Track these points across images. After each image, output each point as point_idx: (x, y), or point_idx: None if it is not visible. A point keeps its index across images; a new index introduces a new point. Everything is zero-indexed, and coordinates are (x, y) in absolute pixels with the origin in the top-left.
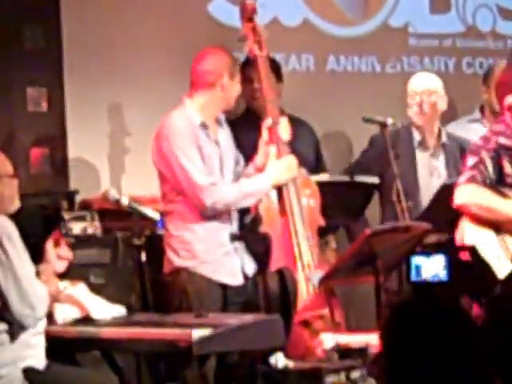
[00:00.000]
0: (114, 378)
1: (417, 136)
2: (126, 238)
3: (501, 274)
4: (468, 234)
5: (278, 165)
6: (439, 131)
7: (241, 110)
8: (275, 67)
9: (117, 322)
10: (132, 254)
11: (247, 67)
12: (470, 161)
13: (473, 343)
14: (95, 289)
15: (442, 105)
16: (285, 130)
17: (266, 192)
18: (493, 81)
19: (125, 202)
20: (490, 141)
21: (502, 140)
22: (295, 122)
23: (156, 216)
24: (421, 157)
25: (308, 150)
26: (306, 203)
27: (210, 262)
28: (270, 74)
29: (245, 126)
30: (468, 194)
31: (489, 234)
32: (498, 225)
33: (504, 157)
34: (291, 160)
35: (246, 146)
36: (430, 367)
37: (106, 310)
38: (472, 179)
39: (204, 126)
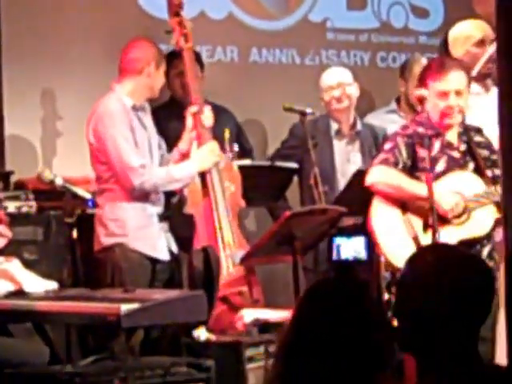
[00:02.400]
0: (45, 348)
1: (334, 125)
2: (59, 217)
3: (397, 260)
4: (376, 213)
5: (203, 150)
6: (354, 120)
7: (164, 99)
8: (197, 58)
9: (49, 296)
10: (64, 232)
11: (175, 58)
12: (387, 145)
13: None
14: (28, 264)
15: (355, 93)
16: (208, 118)
17: (191, 177)
18: (409, 74)
19: (59, 182)
20: (407, 128)
21: (420, 129)
22: (218, 110)
23: (87, 196)
24: (337, 144)
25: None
26: (227, 186)
27: (140, 239)
28: (195, 65)
29: (168, 114)
30: (378, 174)
31: (395, 213)
32: (404, 203)
33: (418, 143)
34: (214, 145)
35: (169, 133)
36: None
37: (38, 284)
38: (384, 161)
39: (135, 108)
